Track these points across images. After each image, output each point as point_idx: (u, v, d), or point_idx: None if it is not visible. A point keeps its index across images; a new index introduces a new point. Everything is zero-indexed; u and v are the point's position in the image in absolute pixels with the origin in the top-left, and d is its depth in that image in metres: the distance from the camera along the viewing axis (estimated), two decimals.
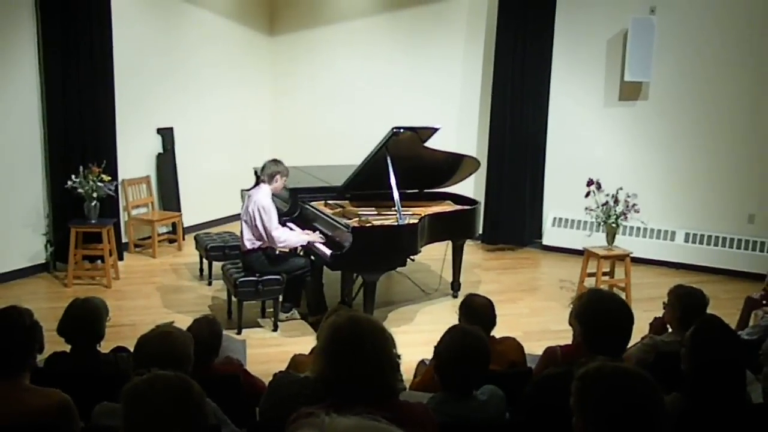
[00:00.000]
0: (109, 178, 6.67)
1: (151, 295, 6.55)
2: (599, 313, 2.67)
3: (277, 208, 5.88)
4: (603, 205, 6.45)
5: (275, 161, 5.73)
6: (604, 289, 5.64)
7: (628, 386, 1.83)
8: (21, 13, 6.59)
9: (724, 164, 7.57)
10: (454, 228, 6.24)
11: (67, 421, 2.44)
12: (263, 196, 5.58)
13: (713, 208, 7.65)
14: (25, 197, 6.83)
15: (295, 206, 6.20)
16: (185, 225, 8.39)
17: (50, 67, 6.78)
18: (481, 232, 7.72)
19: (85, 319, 3.16)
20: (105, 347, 3.33)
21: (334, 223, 5.64)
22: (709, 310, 3.41)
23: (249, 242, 5.61)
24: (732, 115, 7.49)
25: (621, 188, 6.47)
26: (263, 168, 5.73)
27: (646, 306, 5.52)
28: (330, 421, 1.13)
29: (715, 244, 7.56)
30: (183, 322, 4.19)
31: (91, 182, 6.52)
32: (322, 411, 1.15)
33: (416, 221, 5.57)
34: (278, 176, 5.65)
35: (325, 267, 5.84)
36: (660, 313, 3.74)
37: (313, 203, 6.16)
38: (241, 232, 5.71)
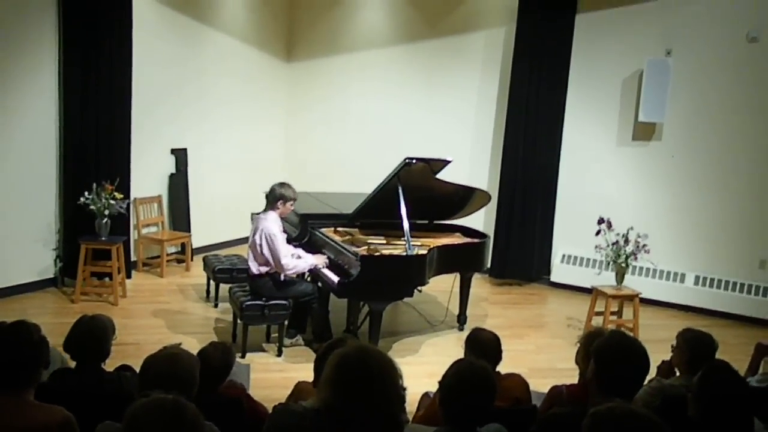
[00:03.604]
0: (122, 196, 6.71)
1: (157, 314, 6.55)
2: (620, 354, 2.64)
3: (287, 233, 5.89)
4: (613, 244, 6.44)
5: (282, 184, 5.63)
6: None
7: (639, 429, 1.82)
8: (43, 33, 6.70)
9: (736, 208, 7.55)
10: (462, 260, 6.23)
11: None
12: (271, 223, 5.53)
13: (724, 252, 7.60)
14: (38, 212, 6.88)
15: (305, 232, 6.21)
16: (194, 246, 8.41)
17: (69, 84, 6.87)
18: (489, 265, 7.70)
19: (91, 337, 3.15)
20: (109, 365, 3.32)
21: (343, 250, 5.65)
22: (717, 355, 3.38)
23: (255, 268, 5.59)
24: (746, 159, 7.48)
25: (632, 228, 6.46)
26: (271, 191, 5.64)
27: (654, 348, 5.38)
28: None
29: (725, 288, 7.50)
30: (188, 343, 4.18)
31: (103, 199, 6.57)
32: None
33: (425, 252, 5.57)
34: (281, 202, 5.57)
35: (331, 294, 5.83)
36: (668, 356, 3.70)
37: (322, 230, 6.18)
38: (248, 256, 5.71)
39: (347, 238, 6.12)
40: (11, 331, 2.59)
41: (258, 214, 7.05)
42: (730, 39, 7.41)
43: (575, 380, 3.39)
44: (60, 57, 6.82)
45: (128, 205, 7.05)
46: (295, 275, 5.68)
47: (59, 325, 3.39)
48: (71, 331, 3.18)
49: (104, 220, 6.63)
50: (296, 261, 5.63)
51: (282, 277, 5.59)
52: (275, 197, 5.59)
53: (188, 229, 8.43)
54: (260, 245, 5.50)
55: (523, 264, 8.34)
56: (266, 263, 5.54)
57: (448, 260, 5.95)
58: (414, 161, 5.63)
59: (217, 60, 8.79)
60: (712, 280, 7.58)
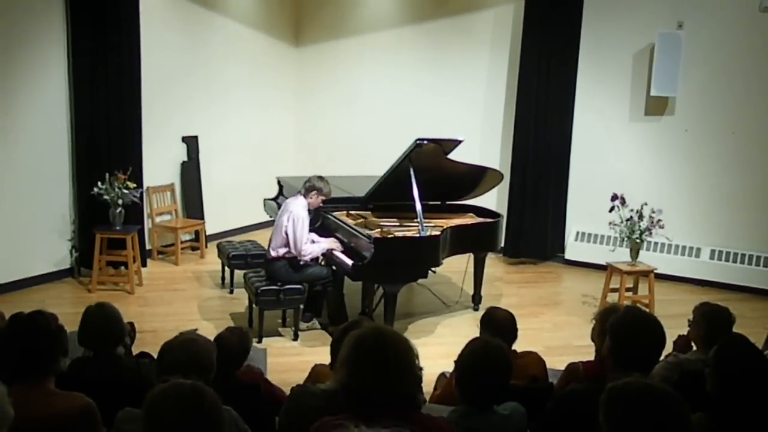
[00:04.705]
0: (134, 185, 6.73)
1: (173, 302, 6.60)
2: (635, 329, 2.63)
3: None
4: (627, 220, 6.40)
5: (320, 178, 5.78)
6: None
7: (656, 403, 1.82)
8: (51, 23, 6.70)
9: (750, 181, 7.47)
10: (476, 241, 6.22)
11: (90, 425, 2.46)
12: (300, 207, 5.64)
13: (740, 225, 7.54)
14: (52, 203, 6.92)
15: (318, 216, 6.22)
16: (208, 233, 8.43)
17: (79, 75, 6.88)
18: (502, 245, 7.68)
19: (103, 325, 3.16)
20: None
21: (356, 233, 5.65)
22: (735, 329, 3.37)
23: (273, 250, 5.66)
24: (759, 131, 7.39)
25: (646, 203, 6.42)
26: (308, 180, 5.78)
27: (670, 323, 5.37)
28: None
29: (742, 262, 7.44)
30: (204, 329, 4.21)
31: (116, 189, 6.60)
32: (351, 423, 1.15)
33: (438, 233, 5.56)
34: (314, 193, 5.70)
35: (346, 277, 5.85)
36: (684, 331, 3.69)
37: (335, 213, 6.18)
38: (270, 239, 5.75)
39: (360, 221, 6.12)
40: (29, 320, 2.61)
41: (272, 198, 7.08)
42: (743, 9, 7.30)
43: (591, 357, 3.39)
44: (69, 48, 6.83)
45: (141, 194, 7.09)
46: (309, 259, 5.73)
47: (77, 314, 3.43)
48: (81, 324, 3.18)
49: (118, 210, 6.67)
50: (312, 246, 5.69)
51: (301, 261, 5.63)
52: (312, 187, 5.71)
53: (201, 217, 8.45)
54: (286, 226, 5.58)
55: (536, 243, 8.32)
56: (285, 245, 5.61)
57: (462, 241, 5.94)
58: (425, 142, 5.61)
59: (225, 46, 8.77)
60: (728, 253, 7.52)
